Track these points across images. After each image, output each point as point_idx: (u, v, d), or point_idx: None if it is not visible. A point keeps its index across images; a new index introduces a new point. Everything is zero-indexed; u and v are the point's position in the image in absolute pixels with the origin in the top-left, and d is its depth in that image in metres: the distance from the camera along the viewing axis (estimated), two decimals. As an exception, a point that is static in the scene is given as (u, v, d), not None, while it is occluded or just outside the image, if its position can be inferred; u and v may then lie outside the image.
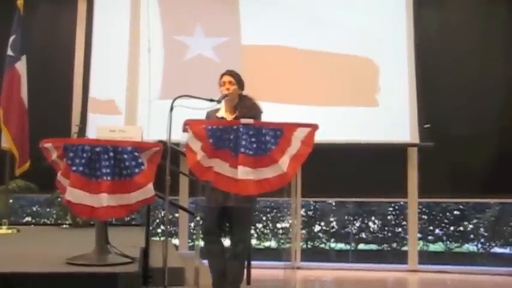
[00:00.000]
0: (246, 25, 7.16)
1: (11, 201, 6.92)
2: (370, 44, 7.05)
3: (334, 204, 7.93)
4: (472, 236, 7.64)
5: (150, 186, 3.46)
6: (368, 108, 6.93)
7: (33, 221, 7.85)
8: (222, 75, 4.01)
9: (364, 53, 7.04)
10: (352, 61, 7.04)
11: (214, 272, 3.92)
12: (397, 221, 7.76)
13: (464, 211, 7.69)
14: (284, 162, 3.44)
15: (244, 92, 4.05)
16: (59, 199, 6.38)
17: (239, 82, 4.00)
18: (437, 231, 7.72)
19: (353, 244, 7.82)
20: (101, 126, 3.81)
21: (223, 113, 3.98)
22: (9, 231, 6.06)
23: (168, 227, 3.91)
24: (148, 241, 3.81)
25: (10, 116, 6.34)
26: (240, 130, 3.44)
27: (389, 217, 7.82)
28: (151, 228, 4.70)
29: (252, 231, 7.15)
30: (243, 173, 3.39)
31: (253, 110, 3.92)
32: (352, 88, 7.02)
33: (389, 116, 6.90)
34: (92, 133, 6.50)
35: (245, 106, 3.94)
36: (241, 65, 6.52)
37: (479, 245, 7.58)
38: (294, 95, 6.92)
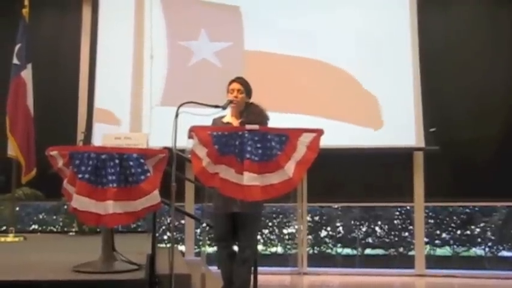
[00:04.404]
0: (249, 31, 7.17)
1: (17, 209, 6.94)
2: (374, 48, 7.04)
3: (340, 209, 7.90)
4: (479, 239, 7.58)
5: (156, 192, 3.46)
6: (373, 112, 6.92)
7: (40, 228, 7.85)
8: (231, 82, 4.00)
9: (367, 57, 7.03)
10: (355, 65, 7.03)
11: (225, 278, 3.92)
12: (404, 226, 7.72)
13: (471, 215, 7.65)
14: (290, 167, 3.43)
15: (251, 100, 4.04)
16: (65, 207, 6.39)
17: (247, 90, 3.99)
18: (444, 235, 7.67)
19: (359, 249, 7.79)
20: (106, 134, 3.82)
21: (229, 118, 3.99)
22: (16, 239, 6.08)
23: (174, 233, 3.90)
24: (155, 248, 3.81)
25: (16, 124, 6.37)
26: (245, 136, 3.43)
27: (395, 222, 7.78)
28: (157, 234, 4.69)
29: (258, 237, 7.15)
30: (249, 179, 3.39)
31: (260, 117, 3.91)
32: (355, 92, 7.01)
33: (394, 120, 6.89)
34: (97, 140, 6.51)
35: (252, 112, 3.93)
36: (244, 70, 6.54)
37: (487, 249, 7.53)
38: (296, 102, 6.91)
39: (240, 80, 3.99)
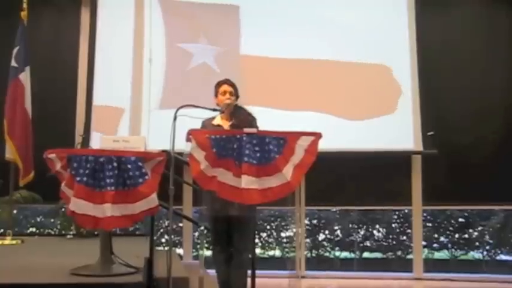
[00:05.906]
0: (245, 35, 7.18)
1: (15, 211, 6.94)
2: (373, 51, 7.05)
3: (338, 212, 7.90)
4: (477, 243, 7.60)
5: (154, 196, 3.46)
6: (372, 115, 6.93)
7: (38, 231, 7.86)
8: (222, 84, 4.04)
9: (366, 60, 7.04)
10: (354, 69, 7.04)
11: (221, 281, 3.92)
12: (402, 229, 7.73)
13: (469, 218, 7.66)
14: (288, 171, 3.43)
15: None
16: (63, 209, 6.38)
17: (236, 92, 4.06)
18: (442, 238, 7.69)
19: (358, 252, 7.79)
20: (104, 137, 3.83)
21: (219, 120, 4.00)
22: (14, 242, 6.08)
23: (172, 236, 3.90)
24: (153, 251, 3.80)
25: (14, 127, 6.36)
26: (244, 139, 3.43)
27: (393, 225, 7.80)
28: (155, 238, 4.69)
29: (256, 240, 7.14)
30: (247, 182, 3.39)
31: (249, 117, 3.96)
32: (354, 96, 7.02)
33: (392, 123, 6.90)
34: (95, 143, 6.51)
35: (241, 114, 3.98)
36: (243, 73, 6.57)
37: (485, 253, 7.54)
38: (295, 103, 6.91)
39: (230, 82, 4.06)
